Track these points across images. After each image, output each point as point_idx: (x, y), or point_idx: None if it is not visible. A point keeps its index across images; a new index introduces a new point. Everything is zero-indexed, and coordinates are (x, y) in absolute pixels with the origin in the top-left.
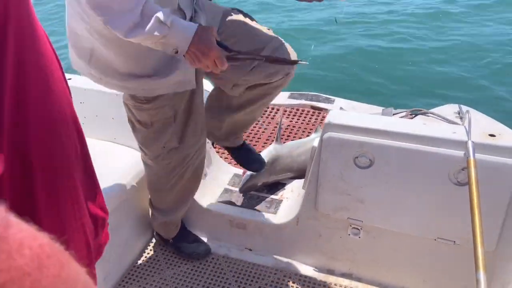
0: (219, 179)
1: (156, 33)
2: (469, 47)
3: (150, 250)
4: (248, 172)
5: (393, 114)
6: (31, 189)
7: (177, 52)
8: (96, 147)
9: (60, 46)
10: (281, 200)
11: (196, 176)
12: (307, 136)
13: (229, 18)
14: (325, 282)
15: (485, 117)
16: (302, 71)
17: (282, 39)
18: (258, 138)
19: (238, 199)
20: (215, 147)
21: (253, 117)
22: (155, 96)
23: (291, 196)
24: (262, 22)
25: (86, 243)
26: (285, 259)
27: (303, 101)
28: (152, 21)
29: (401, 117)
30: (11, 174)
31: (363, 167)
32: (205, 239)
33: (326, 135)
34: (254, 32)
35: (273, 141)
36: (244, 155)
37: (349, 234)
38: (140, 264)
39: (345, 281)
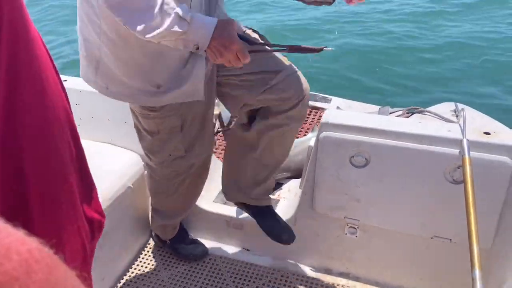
0: (216, 180)
1: (176, 28)
2: (464, 45)
3: (147, 251)
4: None
5: (390, 113)
6: (25, 195)
7: (198, 48)
8: (92, 149)
9: (54, 46)
10: (278, 200)
11: (199, 184)
12: (304, 135)
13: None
14: (322, 281)
15: (481, 115)
16: (302, 71)
17: (296, 68)
18: None
19: None
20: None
21: (278, 157)
22: (162, 105)
23: (288, 196)
24: (260, 21)
25: (82, 246)
26: (282, 259)
27: None
28: (171, 17)
29: (398, 115)
30: (3, 180)
31: (359, 166)
32: (202, 240)
33: (323, 134)
34: (269, 55)
35: None
36: (270, 221)
37: (346, 234)
38: (137, 265)
39: (342, 281)
